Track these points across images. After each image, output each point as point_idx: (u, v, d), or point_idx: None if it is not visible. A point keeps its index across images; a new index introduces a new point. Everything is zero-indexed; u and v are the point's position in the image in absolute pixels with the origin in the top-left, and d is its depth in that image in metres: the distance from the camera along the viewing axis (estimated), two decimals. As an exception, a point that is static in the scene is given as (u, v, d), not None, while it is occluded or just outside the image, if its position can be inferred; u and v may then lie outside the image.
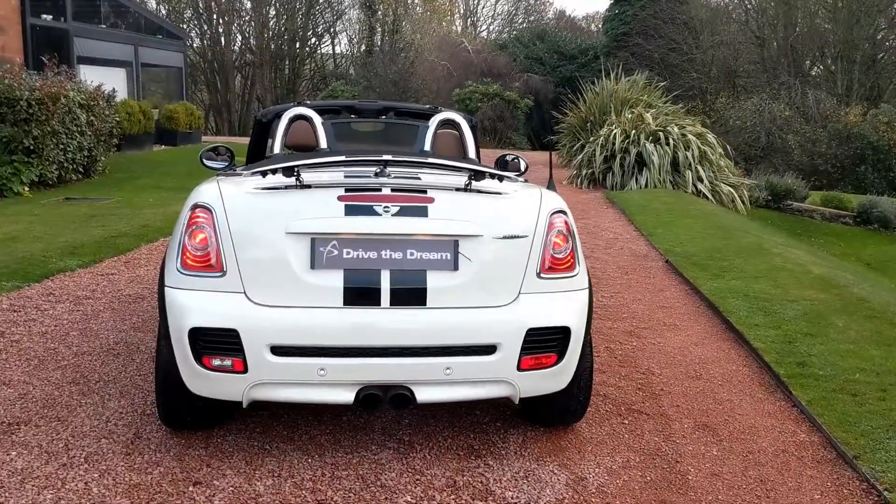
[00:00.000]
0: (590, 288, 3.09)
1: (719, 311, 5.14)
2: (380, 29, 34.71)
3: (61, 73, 12.36)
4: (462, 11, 38.11)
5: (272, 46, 34.24)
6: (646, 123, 13.60)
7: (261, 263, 2.77)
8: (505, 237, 2.88)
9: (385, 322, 2.75)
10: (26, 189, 10.66)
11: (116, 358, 3.97)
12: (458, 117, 3.93)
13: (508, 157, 4.52)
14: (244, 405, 2.80)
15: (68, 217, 8.76)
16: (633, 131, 13.47)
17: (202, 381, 2.76)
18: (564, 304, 2.94)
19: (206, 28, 33.77)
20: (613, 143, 13.44)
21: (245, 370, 2.71)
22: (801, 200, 16.52)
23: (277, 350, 2.71)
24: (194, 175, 6.15)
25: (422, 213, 2.83)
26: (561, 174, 15.26)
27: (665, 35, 28.41)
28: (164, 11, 33.01)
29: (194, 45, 33.72)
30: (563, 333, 2.89)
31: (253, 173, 2.98)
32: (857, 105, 24.60)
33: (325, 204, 2.82)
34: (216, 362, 2.73)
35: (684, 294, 5.80)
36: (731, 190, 13.33)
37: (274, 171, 2.92)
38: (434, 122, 3.83)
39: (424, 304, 2.79)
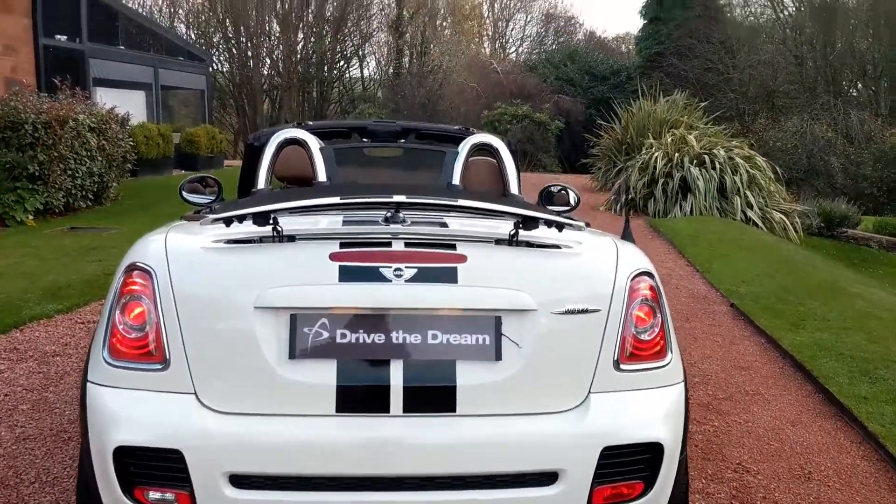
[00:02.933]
0: (685, 381, 2.23)
1: (812, 374, 4.23)
2: (408, 51, 34.18)
3: (74, 95, 11.79)
4: (491, 34, 37.53)
5: (300, 70, 33.86)
6: (689, 146, 12.69)
7: (219, 351, 1.96)
8: (568, 311, 2.04)
9: (396, 438, 1.92)
10: (30, 217, 10.01)
11: (65, 445, 3.17)
12: (495, 141, 3.06)
13: (553, 188, 3.68)
14: None
15: (67, 249, 8.07)
16: (676, 154, 12.56)
17: None
18: (654, 408, 2.07)
19: (234, 52, 33.52)
20: (655, 167, 12.54)
21: None
22: (854, 227, 15.47)
23: (240, 480, 1.89)
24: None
25: (449, 277, 2.00)
26: (597, 199, 14.40)
27: (700, 55, 27.55)
28: (192, 36, 32.86)
29: (224, 69, 33.55)
30: (654, 451, 2.03)
31: (215, 220, 2.16)
32: (903, 125, 23.57)
33: (313, 264, 2.00)
34: (153, 496, 1.91)
35: (761, 349, 4.89)
36: (783, 217, 12.35)
37: (241, 219, 2.10)
38: (465, 146, 2.97)
39: (454, 411, 1.96)
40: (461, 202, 2.13)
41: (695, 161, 12.38)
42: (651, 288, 2.17)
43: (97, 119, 11.46)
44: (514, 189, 2.97)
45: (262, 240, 2.11)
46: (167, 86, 17.51)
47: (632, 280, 2.13)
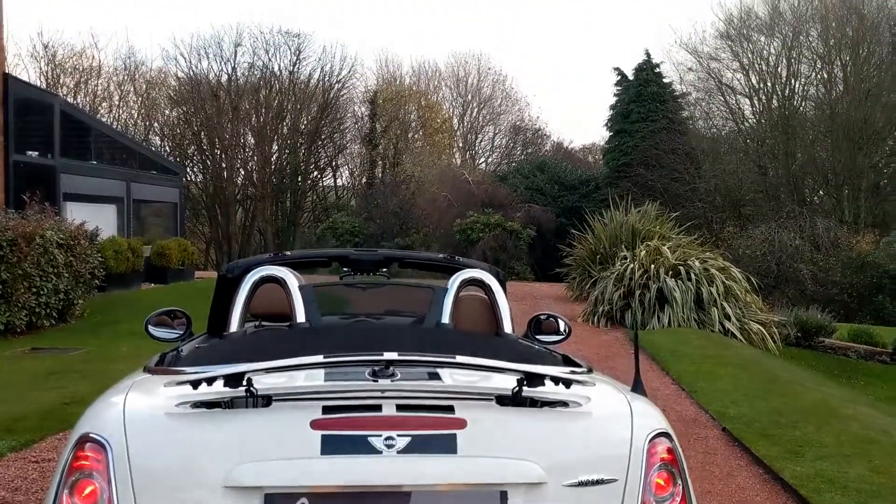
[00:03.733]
0: None
1: (820, 513, 3.98)
2: (381, 162, 34.73)
3: (44, 211, 11.60)
4: (461, 145, 38.34)
5: (274, 180, 34.14)
6: (664, 257, 12.73)
7: None
8: (581, 483, 1.82)
9: None
10: (-11, 338, 9.63)
11: None
12: (486, 276, 2.89)
13: (542, 317, 3.53)
14: None
15: (25, 374, 7.67)
16: (652, 265, 12.57)
17: None
18: None
19: (209, 163, 33.78)
20: (630, 279, 12.51)
21: None
22: (830, 335, 15.46)
23: None
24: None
25: (448, 445, 1.78)
26: (573, 309, 14.29)
27: (667, 165, 28.26)
28: (167, 148, 33.16)
29: (197, 179, 33.75)
30: None
31: (179, 383, 1.93)
32: (868, 232, 24.11)
33: (291, 434, 1.78)
34: None
35: (761, 482, 4.64)
36: (761, 328, 12.31)
37: (210, 381, 1.87)
38: (454, 283, 2.79)
39: None
40: (459, 359, 1.92)
41: (670, 272, 12.39)
42: (670, 451, 1.96)
43: (65, 235, 11.25)
44: (507, 327, 2.78)
45: (233, 402, 1.88)
46: (139, 199, 17.42)
47: (649, 442, 1.93)
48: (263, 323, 3.28)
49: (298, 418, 1.79)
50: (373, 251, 3.26)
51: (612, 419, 1.99)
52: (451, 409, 1.84)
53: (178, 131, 33.80)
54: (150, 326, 3.31)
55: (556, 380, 1.97)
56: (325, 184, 36.94)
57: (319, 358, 1.88)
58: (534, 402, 1.97)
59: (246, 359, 2.06)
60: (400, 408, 1.83)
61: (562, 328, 3.49)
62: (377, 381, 1.93)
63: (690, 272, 12.25)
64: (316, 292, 2.73)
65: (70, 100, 27.40)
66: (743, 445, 5.29)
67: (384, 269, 3.28)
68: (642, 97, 29.12)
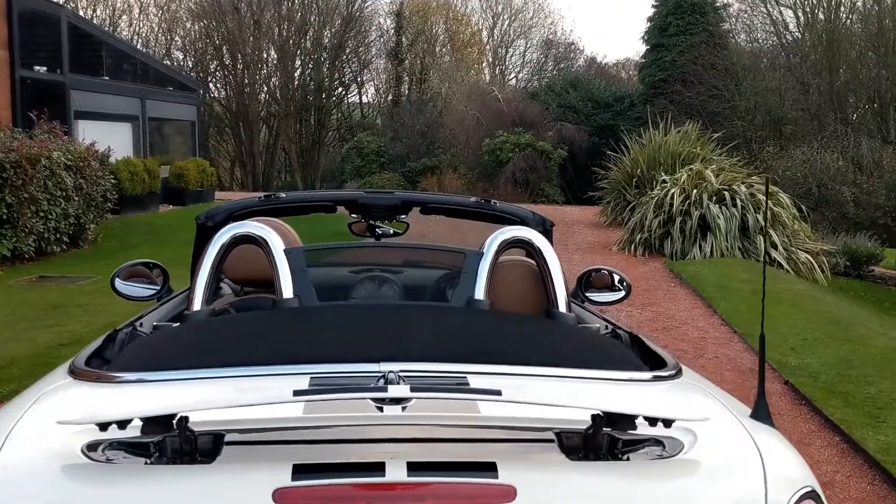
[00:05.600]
0: None
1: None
2: (407, 79, 33.60)
3: (52, 130, 11.03)
4: (490, 60, 36.95)
5: (297, 97, 33.25)
6: (707, 182, 11.90)
7: None
8: None
9: None
10: (-4, 265, 9.21)
11: None
12: (533, 235, 2.19)
13: (594, 272, 2.86)
14: None
15: (26, 307, 7.22)
16: (694, 191, 11.77)
17: None
18: None
19: (231, 80, 32.93)
20: (671, 205, 11.73)
21: None
22: (878, 263, 14.65)
23: None
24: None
25: None
26: (607, 236, 13.61)
27: (705, 82, 26.96)
28: (189, 64, 32.33)
29: (221, 96, 33.05)
30: None
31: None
32: (916, 152, 22.96)
33: None
34: None
35: (839, 454, 4.03)
36: (809, 258, 11.54)
37: (122, 425, 1.25)
38: (492, 245, 2.11)
39: None
40: (506, 394, 1.26)
41: (714, 198, 11.59)
42: None
43: (74, 156, 10.68)
44: (562, 305, 2.11)
45: (158, 449, 1.26)
46: (155, 117, 16.76)
47: None
48: (248, 290, 2.65)
49: (253, 488, 1.17)
50: (388, 193, 2.57)
51: (733, 471, 1.35)
52: (491, 467, 1.21)
53: (200, 46, 32.87)
54: (116, 280, 2.70)
55: (652, 420, 1.31)
56: (349, 101, 36.02)
57: (290, 392, 1.24)
58: (613, 443, 1.33)
59: (200, 362, 1.47)
60: (413, 467, 1.19)
61: (620, 285, 2.82)
62: (382, 410, 1.30)
63: (736, 198, 11.45)
64: (307, 257, 2.09)
65: (89, 12, 26.51)
66: (812, 405, 4.67)
67: (402, 216, 2.61)
68: (681, 8, 27.64)
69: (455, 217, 2.67)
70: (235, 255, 2.18)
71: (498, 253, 2.07)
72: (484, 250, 2.08)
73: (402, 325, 1.74)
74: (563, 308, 2.07)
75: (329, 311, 1.93)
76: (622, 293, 2.78)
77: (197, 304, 1.99)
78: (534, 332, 1.78)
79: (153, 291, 2.71)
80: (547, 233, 2.58)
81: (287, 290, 1.94)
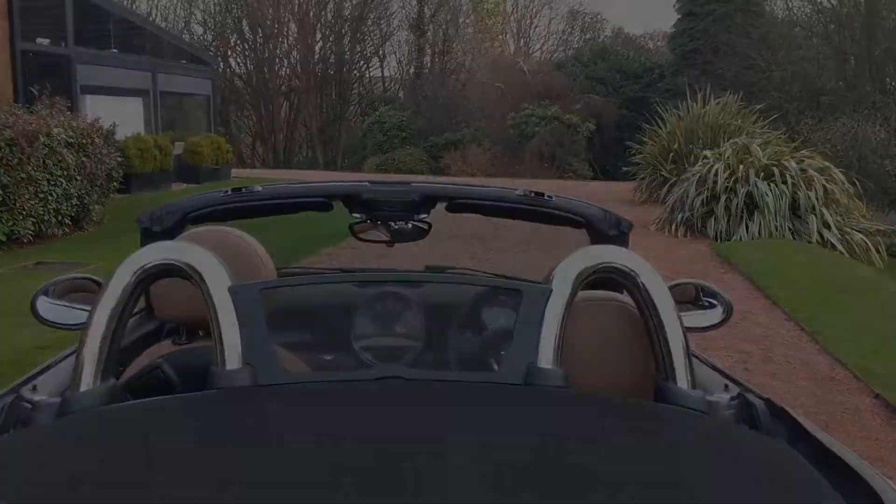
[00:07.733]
0: None
1: None
2: (429, 50, 32.69)
3: (53, 105, 10.39)
4: (514, 31, 35.89)
5: (318, 71, 32.49)
6: (754, 157, 11.03)
7: None
8: None
9: None
10: (-8, 250, 8.63)
11: None
12: (636, 262, 1.27)
13: (683, 284, 1.97)
14: None
15: (16, 297, 6.58)
16: (740, 166, 10.91)
17: None
18: None
19: (250, 53, 32.27)
20: (715, 182, 10.89)
21: None
22: (934, 243, 13.72)
23: None
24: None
25: None
26: (644, 215, 12.78)
27: (740, 51, 25.87)
28: (209, 38, 31.72)
29: (241, 70, 32.46)
30: None
31: None
32: (962, 125, 21.83)
33: None
34: None
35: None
36: (864, 238, 10.66)
37: None
38: (567, 274, 1.25)
39: None
40: None
41: (761, 174, 10.73)
42: None
43: (76, 133, 10.04)
44: (681, 377, 1.23)
45: None
46: (167, 91, 16.08)
47: None
48: (185, 340, 1.77)
49: None
50: (403, 185, 1.80)
51: None
52: None
53: (219, 19, 32.20)
54: (37, 303, 1.91)
55: None
56: (371, 75, 35.19)
57: None
58: None
59: None
60: None
61: (711, 299, 2.01)
62: None
63: (786, 174, 10.58)
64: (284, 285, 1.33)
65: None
66: (915, 427, 3.91)
67: (423, 216, 1.85)
68: (715, -27, 26.51)
69: (494, 216, 1.91)
70: (164, 286, 1.44)
71: (576, 289, 1.25)
72: (553, 284, 1.26)
73: (425, 460, 0.94)
74: (683, 381, 1.31)
75: (299, 412, 1.10)
76: (721, 317, 1.96)
77: (87, 381, 1.21)
78: (648, 440, 1.00)
79: (81, 322, 1.92)
80: (622, 238, 1.83)
81: (234, 360, 1.18)
